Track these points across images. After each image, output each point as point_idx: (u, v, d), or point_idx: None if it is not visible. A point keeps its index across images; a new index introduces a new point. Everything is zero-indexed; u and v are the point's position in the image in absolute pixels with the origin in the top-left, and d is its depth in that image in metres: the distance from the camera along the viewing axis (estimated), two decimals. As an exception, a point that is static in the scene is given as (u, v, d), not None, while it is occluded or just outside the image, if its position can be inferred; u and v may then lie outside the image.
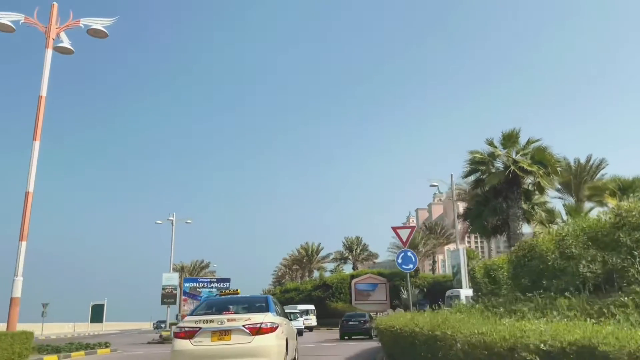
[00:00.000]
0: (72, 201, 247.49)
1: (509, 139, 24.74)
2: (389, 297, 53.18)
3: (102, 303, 62.85)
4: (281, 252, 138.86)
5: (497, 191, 26.31)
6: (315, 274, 70.29)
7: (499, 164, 25.13)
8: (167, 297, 36.20)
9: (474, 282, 15.87)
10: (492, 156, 25.24)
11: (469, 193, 27.43)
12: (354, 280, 54.62)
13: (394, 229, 14.69)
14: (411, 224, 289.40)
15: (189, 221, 50.52)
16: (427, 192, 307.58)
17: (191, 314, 9.58)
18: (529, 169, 23.31)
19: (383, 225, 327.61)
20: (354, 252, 62.53)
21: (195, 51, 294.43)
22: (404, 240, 14.21)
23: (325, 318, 48.65)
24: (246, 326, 8.57)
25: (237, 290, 12.25)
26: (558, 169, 23.83)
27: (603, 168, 27.29)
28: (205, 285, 34.08)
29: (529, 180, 24.63)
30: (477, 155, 25.20)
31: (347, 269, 63.53)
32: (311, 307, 48.12)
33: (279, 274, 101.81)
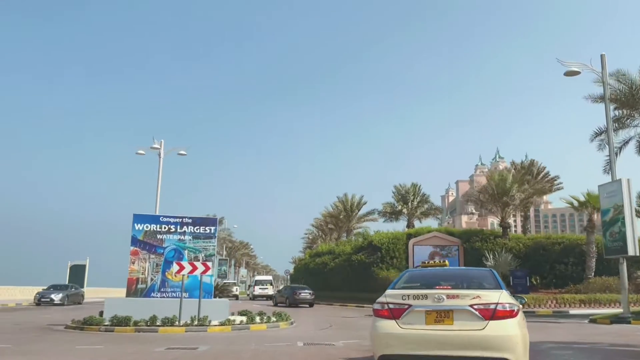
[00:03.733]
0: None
1: None
2: (463, 265, 37.61)
3: (83, 263, 49.28)
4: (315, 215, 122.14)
5: None
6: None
7: None
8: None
9: None
10: None
11: None
12: (412, 241, 38.91)
13: None
14: (450, 197, 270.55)
15: (182, 152, 36.00)
16: (470, 164, 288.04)
17: (392, 287, 6.64)
18: None
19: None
20: (409, 204, 45.83)
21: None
22: None
23: (366, 292, 33.84)
24: (475, 306, 5.74)
25: (444, 262, 8.62)
26: None
27: None
28: (173, 229, 18.35)
29: None
30: None
31: (400, 229, 47.32)
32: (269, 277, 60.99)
33: (310, 237, 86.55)
